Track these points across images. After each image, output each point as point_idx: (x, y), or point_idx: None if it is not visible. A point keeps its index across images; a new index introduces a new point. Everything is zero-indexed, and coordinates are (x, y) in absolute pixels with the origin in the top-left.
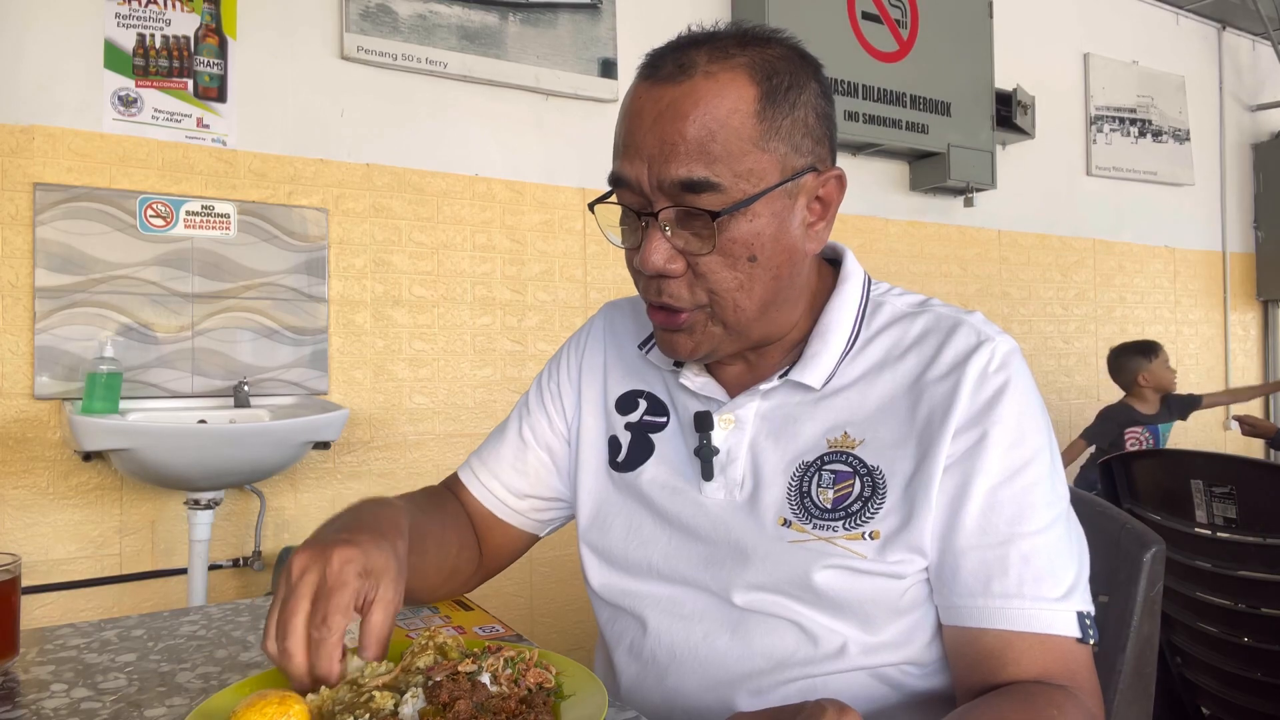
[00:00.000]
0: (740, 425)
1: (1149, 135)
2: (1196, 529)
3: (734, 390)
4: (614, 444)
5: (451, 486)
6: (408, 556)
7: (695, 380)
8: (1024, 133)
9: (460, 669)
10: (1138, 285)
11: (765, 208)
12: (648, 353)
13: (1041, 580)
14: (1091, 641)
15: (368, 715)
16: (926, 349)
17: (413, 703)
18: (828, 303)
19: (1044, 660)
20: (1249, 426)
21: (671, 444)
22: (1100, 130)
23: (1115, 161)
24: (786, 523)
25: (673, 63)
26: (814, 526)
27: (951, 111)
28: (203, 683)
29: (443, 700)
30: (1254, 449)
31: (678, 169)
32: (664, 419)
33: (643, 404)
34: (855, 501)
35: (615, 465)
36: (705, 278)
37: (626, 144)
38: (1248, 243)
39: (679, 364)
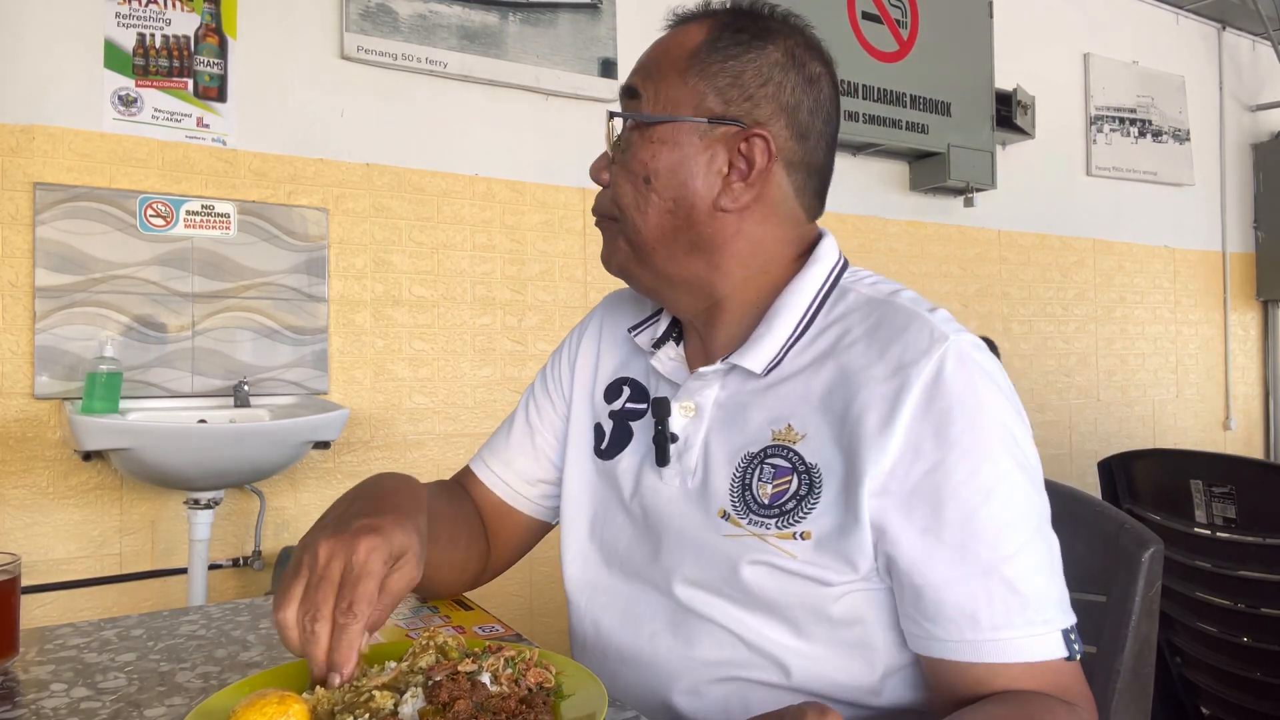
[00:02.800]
0: (700, 413)
1: (1149, 135)
2: (1196, 529)
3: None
4: (598, 431)
5: (461, 481)
6: (429, 540)
7: (666, 364)
8: (1024, 133)
9: (460, 669)
10: (1138, 285)
11: (670, 135)
12: (636, 336)
13: (1028, 607)
14: (1078, 655)
15: (367, 715)
16: (874, 343)
17: (412, 702)
18: (787, 285)
19: (1035, 684)
20: None
21: (646, 432)
22: (1100, 130)
23: (1115, 161)
24: (725, 515)
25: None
26: (749, 522)
27: (951, 111)
28: (202, 682)
29: (442, 700)
30: (1254, 449)
31: (628, 80)
32: (644, 406)
33: (627, 391)
34: (790, 499)
35: (599, 453)
36: (614, 188)
37: None
38: (1248, 243)
39: (656, 345)
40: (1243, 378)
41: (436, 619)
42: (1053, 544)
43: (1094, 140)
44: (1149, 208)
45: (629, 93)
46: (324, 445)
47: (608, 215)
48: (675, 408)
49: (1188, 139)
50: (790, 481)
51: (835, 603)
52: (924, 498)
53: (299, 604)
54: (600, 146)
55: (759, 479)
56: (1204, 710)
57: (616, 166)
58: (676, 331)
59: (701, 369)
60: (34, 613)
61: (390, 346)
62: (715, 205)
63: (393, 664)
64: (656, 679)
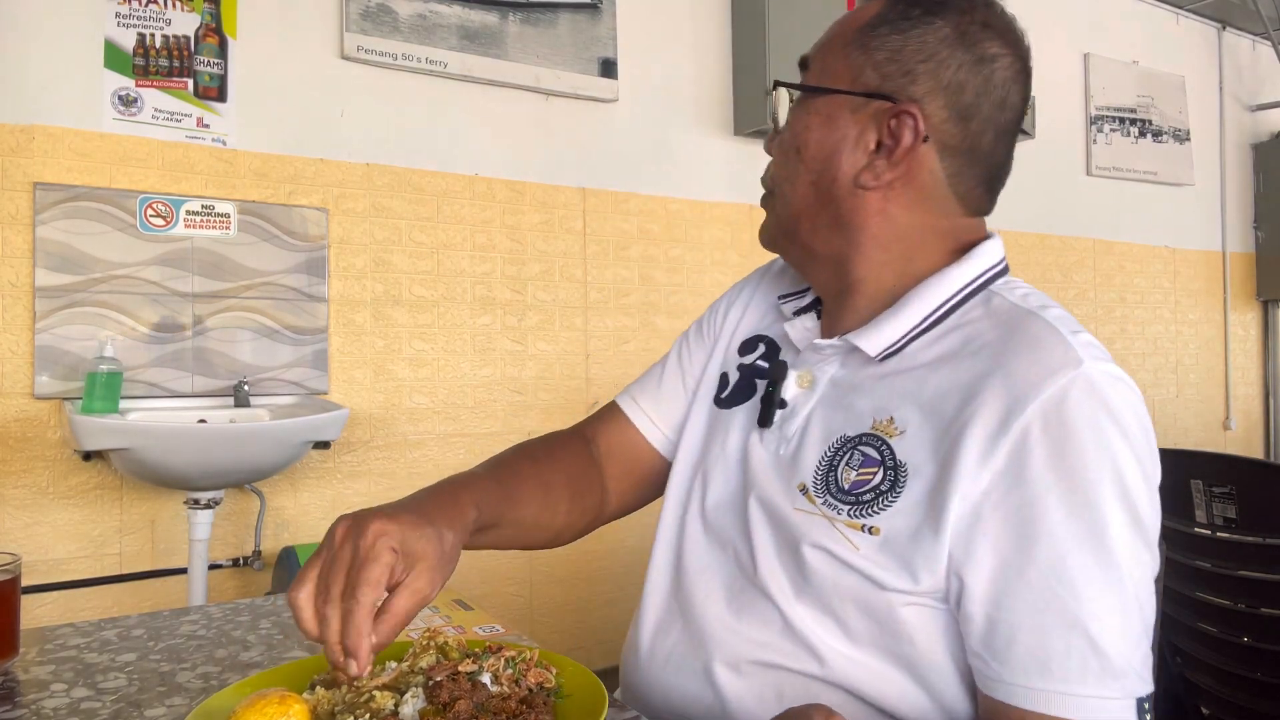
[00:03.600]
0: (815, 386)
1: (1149, 135)
2: (1196, 529)
3: None
4: (723, 380)
5: (592, 424)
6: (507, 525)
7: (797, 332)
8: (1024, 133)
9: (461, 669)
10: (1138, 285)
11: (824, 108)
12: (783, 303)
13: (1105, 671)
14: None
15: (368, 715)
16: (1001, 353)
17: (413, 703)
18: (930, 276)
19: None
20: None
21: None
22: (1100, 130)
23: (1115, 161)
24: (804, 490)
25: None
26: (824, 503)
27: None
28: (203, 682)
29: (443, 700)
30: (1254, 449)
31: (805, 54)
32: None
33: (761, 348)
34: (869, 492)
35: (718, 400)
36: (774, 162)
37: None
38: (1248, 243)
39: (797, 314)
40: (1243, 378)
41: (437, 619)
42: (1147, 608)
43: (1094, 140)
44: (1149, 208)
45: (802, 65)
46: (324, 445)
47: (767, 189)
48: (792, 375)
49: (1188, 139)
50: (875, 474)
51: (889, 610)
52: (1016, 529)
53: (312, 585)
54: (602, 150)
55: (846, 464)
56: (1204, 710)
57: (779, 140)
58: (819, 307)
59: (817, 341)
60: (34, 613)
61: (390, 346)
62: (856, 182)
63: (393, 664)
64: (703, 642)
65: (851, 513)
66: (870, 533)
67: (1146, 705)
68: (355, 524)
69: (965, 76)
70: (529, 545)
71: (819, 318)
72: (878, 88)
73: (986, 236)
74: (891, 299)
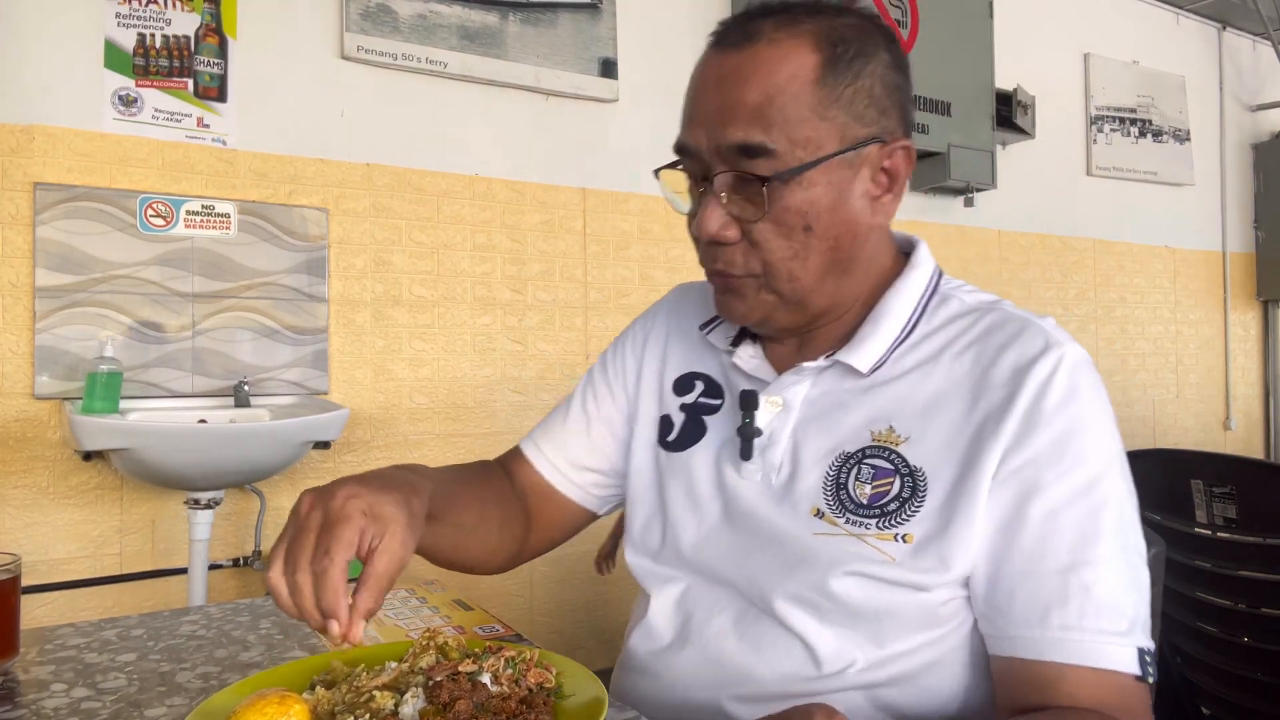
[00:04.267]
0: (787, 409)
1: (1149, 135)
2: (1196, 529)
3: (784, 371)
4: (665, 423)
5: (508, 461)
6: (449, 524)
7: (748, 362)
8: (1024, 133)
9: (461, 669)
10: (1138, 285)
11: (822, 176)
12: (708, 334)
13: (1103, 613)
14: (1150, 680)
15: (368, 715)
16: (988, 349)
17: (413, 703)
18: (889, 288)
19: (1100, 694)
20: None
21: (724, 427)
22: (1100, 130)
23: (1115, 161)
24: (820, 514)
25: (739, 30)
26: (847, 521)
27: (951, 111)
28: (202, 683)
29: (443, 700)
30: (1254, 449)
31: (735, 133)
32: (719, 401)
33: (700, 385)
34: (892, 501)
35: (666, 444)
36: (760, 246)
37: (690, 112)
38: (1248, 243)
39: (734, 344)
40: (1243, 378)
41: (437, 619)
42: (1139, 561)
43: (1094, 140)
44: (1149, 208)
45: (750, 150)
46: (324, 445)
47: (748, 274)
48: (763, 402)
49: (1188, 139)
50: (892, 483)
51: (927, 611)
52: (1014, 488)
53: (282, 560)
54: (602, 150)
55: (857, 479)
56: (1204, 710)
57: (764, 225)
58: (755, 331)
59: (804, 364)
60: (34, 613)
61: (390, 346)
62: (870, 226)
63: (393, 664)
64: (714, 678)
65: (880, 524)
66: (904, 540)
67: (1149, 659)
68: (322, 493)
69: (906, 86)
70: (461, 558)
71: (754, 341)
72: (866, 135)
73: (914, 241)
74: (863, 310)
